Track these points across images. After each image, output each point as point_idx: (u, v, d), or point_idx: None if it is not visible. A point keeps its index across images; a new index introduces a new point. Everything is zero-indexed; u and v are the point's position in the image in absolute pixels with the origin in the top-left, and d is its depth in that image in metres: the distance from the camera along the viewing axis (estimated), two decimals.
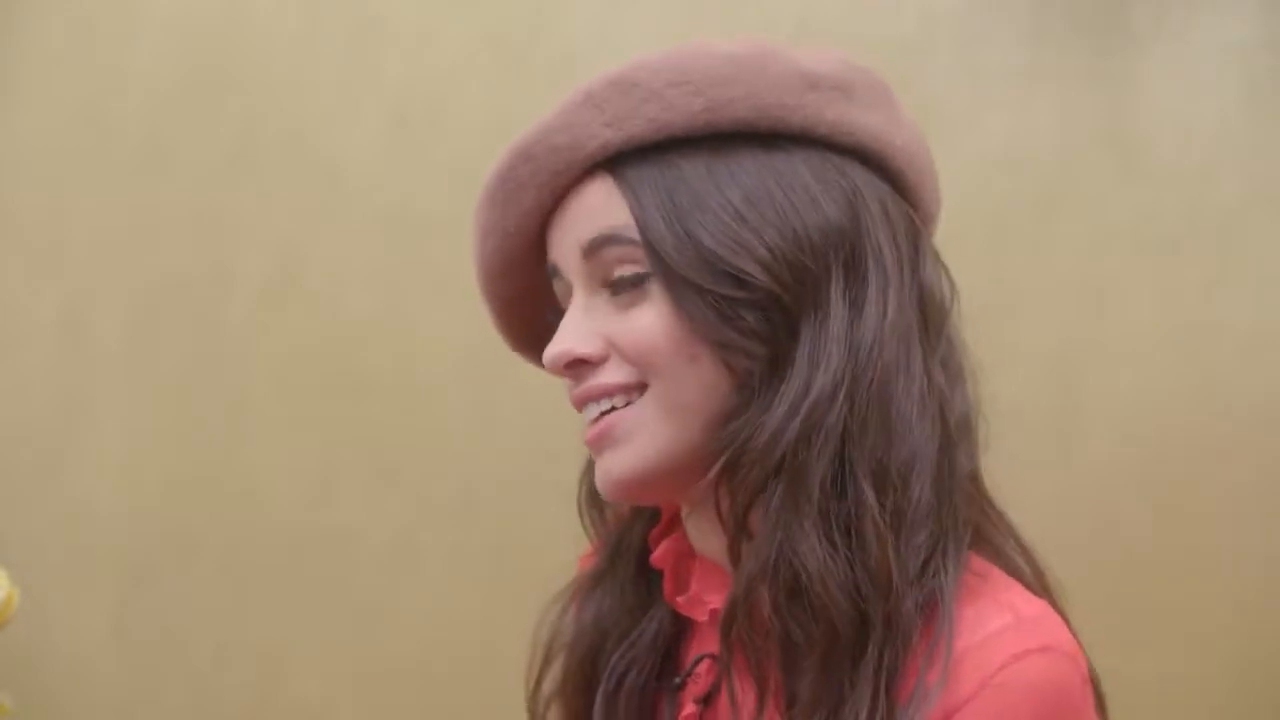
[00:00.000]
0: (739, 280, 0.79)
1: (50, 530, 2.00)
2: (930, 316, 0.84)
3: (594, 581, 0.95)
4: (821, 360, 0.79)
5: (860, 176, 0.83)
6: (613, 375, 0.82)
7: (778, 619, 0.77)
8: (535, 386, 1.91)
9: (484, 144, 1.90)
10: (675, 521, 0.90)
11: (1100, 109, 1.73)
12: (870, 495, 0.77)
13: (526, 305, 0.91)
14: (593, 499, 0.96)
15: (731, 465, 0.79)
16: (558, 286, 0.87)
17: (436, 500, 1.92)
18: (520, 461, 1.89)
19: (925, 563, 0.78)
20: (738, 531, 0.80)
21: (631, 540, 0.93)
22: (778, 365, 0.80)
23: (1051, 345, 1.70)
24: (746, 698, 0.81)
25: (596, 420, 0.83)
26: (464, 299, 1.91)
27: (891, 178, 0.85)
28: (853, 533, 0.77)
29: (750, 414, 0.79)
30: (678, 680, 0.88)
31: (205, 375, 1.98)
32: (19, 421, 2.03)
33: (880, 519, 0.77)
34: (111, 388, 2.01)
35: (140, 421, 2.00)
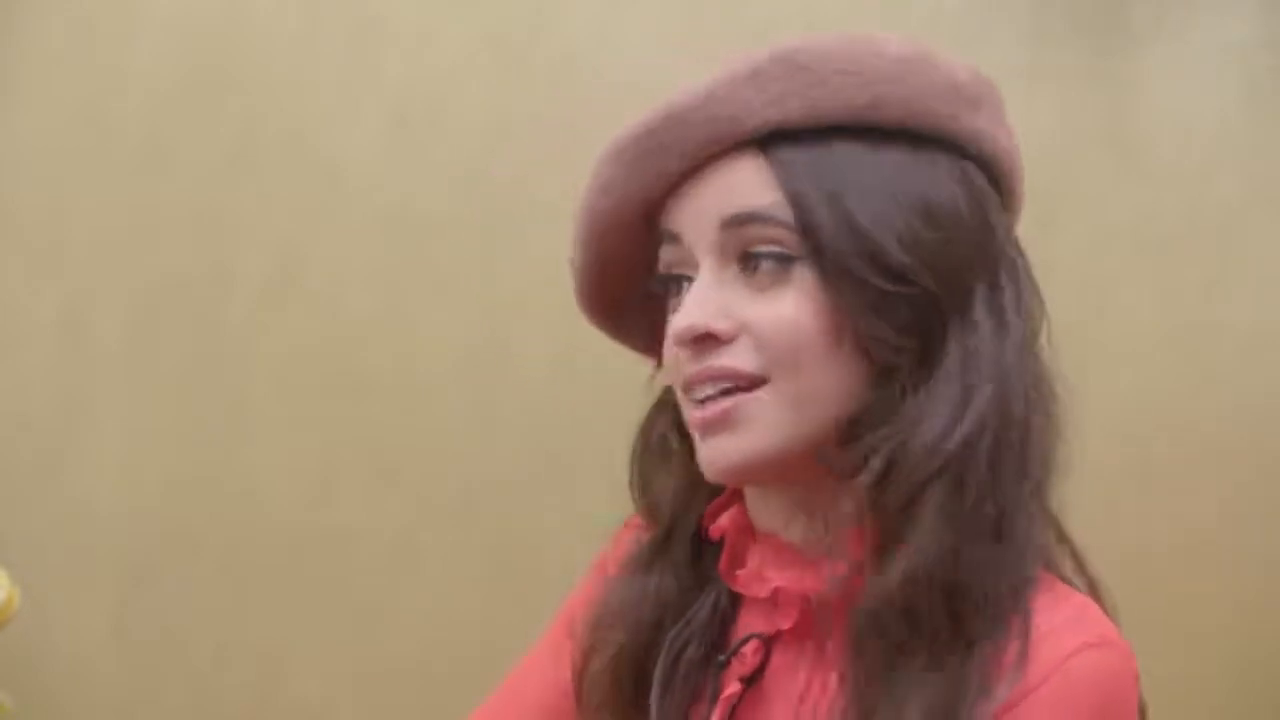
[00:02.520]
0: (895, 272, 0.79)
1: (50, 530, 2.00)
2: (1036, 333, 0.86)
3: (649, 557, 0.93)
4: (975, 369, 0.80)
5: (986, 187, 0.84)
6: (741, 360, 0.81)
7: (928, 620, 0.78)
8: (535, 387, 1.92)
9: (484, 144, 1.92)
10: (735, 495, 0.90)
11: (1100, 109, 1.73)
12: (1015, 502, 0.80)
13: (617, 268, 0.89)
14: (646, 477, 0.94)
15: (889, 464, 0.79)
16: (668, 253, 0.85)
17: (436, 500, 1.92)
18: (520, 461, 1.89)
19: (1024, 574, 0.81)
20: (887, 528, 0.80)
21: (688, 515, 0.92)
22: (925, 363, 0.80)
23: (1050, 344, 1.70)
24: (808, 684, 0.82)
25: (712, 400, 0.82)
26: (464, 299, 1.92)
27: (1000, 188, 0.86)
28: (1001, 538, 0.79)
29: (903, 414, 0.79)
30: (721, 658, 0.88)
31: (205, 375, 1.98)
32: (19, 421, 2.03)
33: (1022, 527, 0.80)
34: (111, 388, 2.00)
35: (140, 421, 2.00)
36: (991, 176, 0.85)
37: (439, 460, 1.92)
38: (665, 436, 0.92)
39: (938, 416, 0.79)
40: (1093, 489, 1.70)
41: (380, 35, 1.96)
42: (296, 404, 1.96)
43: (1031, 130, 1.74)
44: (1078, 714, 0.76)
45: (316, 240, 1.96)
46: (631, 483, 0.95)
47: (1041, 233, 1.72)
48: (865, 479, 0.79)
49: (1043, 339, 0.87)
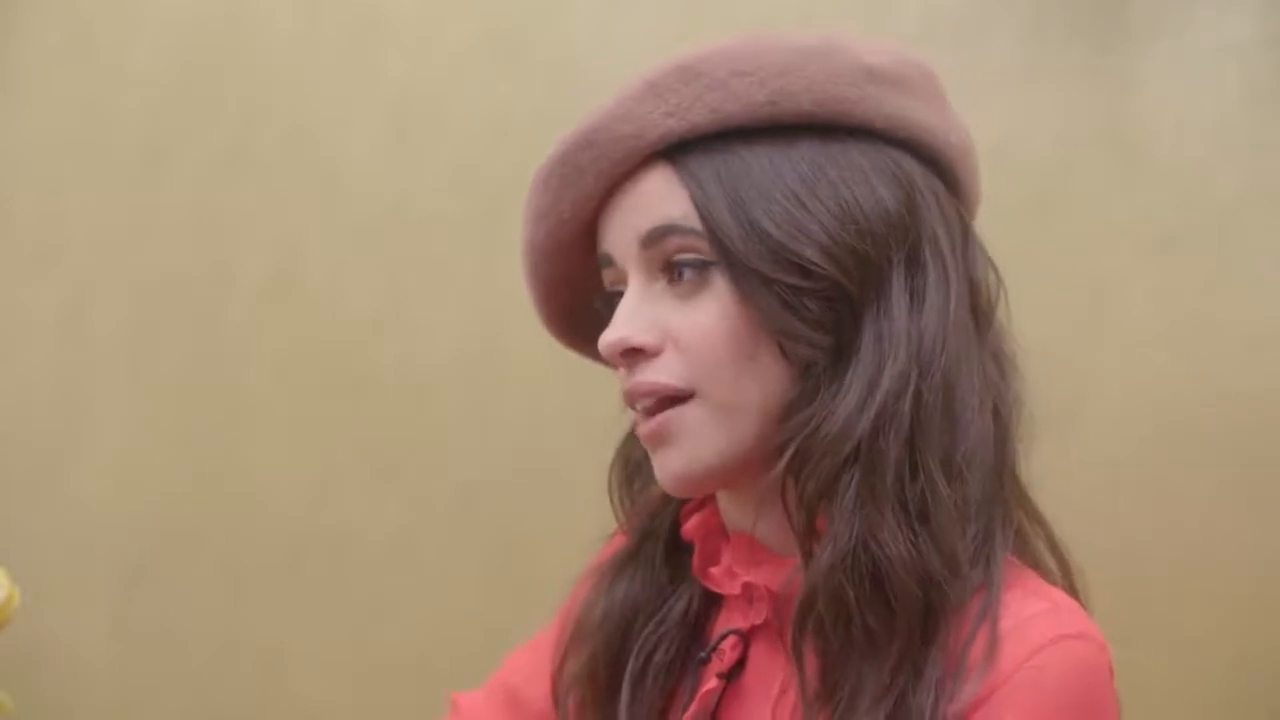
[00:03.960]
0: (804, 269, 0.79)
1: (50, 530, 2.00)
2: (980, 308, 0.86)
3: (624, 561, 0.95)
4: (889, 350, 0.80)
5: (914, 169, 0.84)
6: (667, 374, 0.82)
7: (857, 607, 0.78)
8: (535, 386, 1.91)
9: (484, 143, 1.91)
10: (708, 497, 0.90)
11: (1099, 107, 1.72)
12: (942, 484, 0.79)
13: (570, 289, 0.91)
14: (625, 480, 0.96)
15: (801, 455, 0.80)
16: (608, 274, 0.87)
17: (436, 499, 1.92)
18: (520, 461, 1.89)
19: (977, 551, 0.80)
20: (809, 520, 0.80)
21: (662, 520, 0.94)
22: (842, 355, 0.80)
23: (1049, 343, 1.70)
24: (787, 679, 0.82)
25: (651, 414, 0.83)
26: (464, 298, 1.92)
27: (940, 171, 0.86)
28: (928, 520, 0.78)
29: (817, 404, 0.80)
30: (702, 655, 0.88)
31: (205, 374, 1.98)
32: (19, 421, 2.03)
33: (951, 507, 0.78)
34: (111, 387, 2.01)
35: (140, 421, 2.00)
36: (921, 157, 0.85)
37: (439, 459, 1.92)
38: (640, 461, 0.94)
39: (848, 402, 0.79)
40: (1090, 487, 1.70)
41: (380, 35, 1.96)
42: (296, 403, 1.96)
43: (1031, 129, 1.75)
44: (1051, 706, 0.75)
45: (316, 239, 1.96)
46: (611, 498, 0.96)
47: (1041, 232, 1.73)
48: (779, 470, 0.80)
49: (1000, 313, 0.87)
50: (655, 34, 1.83)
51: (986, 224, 1.73)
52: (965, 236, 0.87)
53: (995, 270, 0.88)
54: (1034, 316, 1.73)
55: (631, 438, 0.94)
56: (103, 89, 2.02)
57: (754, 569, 0.86)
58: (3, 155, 2.04)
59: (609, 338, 0.83)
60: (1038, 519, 0.88)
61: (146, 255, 2.00)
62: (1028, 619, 0.78)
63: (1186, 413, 1.67)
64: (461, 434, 1.91)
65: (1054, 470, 1.70)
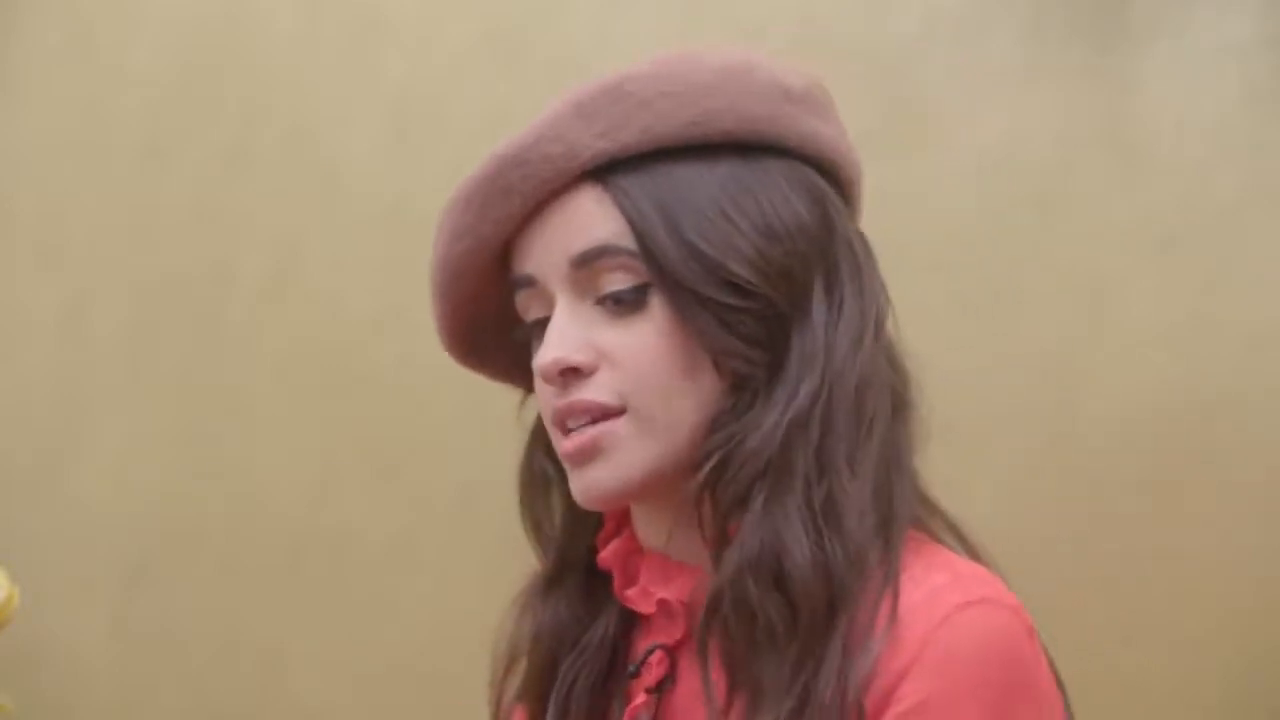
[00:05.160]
0: (739, 288, 0.81)
1: (50, 530, 2.00)
2: (881, 318, 0.87)
3: (545, 590, 0.95)
4: (812, 363, 0.81)
5: (825, 185, 0.86)
6: (603, 393, 0.83)
7: (762, 607, 0.79)
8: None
9: (484, 143, 1.90)
10: (622, 520, 0.91)
11: (1099, 107, 1.72)
12: (847, 486, 0.80)
13: (472, 309, 0.92)
14: (533, 509, 0.96)
15: (721, 466, 0.81)
16: (524, 295, 0.87)
17: (436, 499, 1.92)
18: (520, 460, 1.89)
19: (876, 537, 0.81)
20: (722, 529, 0.81)
21: (578, 546, 0.94)
22: (775, 369, 0.82)
23: (1049, 343, 1.70)
24: (711, 685, 0.83)
25: (578, 431, 0.83)
26: None
27: (840, 188, 0.89)
28: (836, 520, 0.80)
29: (747, 418, 0.81)
30: (632, 668, 0.89)
31: (205, 374, 1.98)
32: (19, 421, 2.03)
33: (855, 507, 0.80)
34: (111, 387, 2.01)
35: (140, 421, 2.00)
36: (828, 175, 0.87)
37: (439, 459, 1.92)
38: (544, 467, 0.94)
39: (770, 416, 0.80)
40: (1090, 488, 1.70)
41: (380, 35, 1.96)
42: (296, 402, 1.96)
43: (1031, 130, 1.75)
44: (966, 676, 0.75)
45: (316, 238, 1.96)
46: (522, 517, 0.96)
47: (1041, 232, 1.73)
48: (698, 482, 0.81)
49: (889, 324, 0.89)
50: (655, 34, 1.83)
51: (987, 224, 1.73)
52: (867, 249, 0.89)
53: (881, 280, 0.89)
54: (1034, 316, 1.73)
55: (532, 452, 0.95)
56: (103, 89, 2.02)
57: (666, 584, 0.86)
58: (3, 155, 2.04)
59: (544, 358, 0.83)
60: (936, 510, 0.89)
61: (146, 255, 2.00)
62: (929, 593, 0.78)
63: (1186, 412, 1.66)
64: (461, 434, 1.91)
65: (1054, 469, 1.70)
